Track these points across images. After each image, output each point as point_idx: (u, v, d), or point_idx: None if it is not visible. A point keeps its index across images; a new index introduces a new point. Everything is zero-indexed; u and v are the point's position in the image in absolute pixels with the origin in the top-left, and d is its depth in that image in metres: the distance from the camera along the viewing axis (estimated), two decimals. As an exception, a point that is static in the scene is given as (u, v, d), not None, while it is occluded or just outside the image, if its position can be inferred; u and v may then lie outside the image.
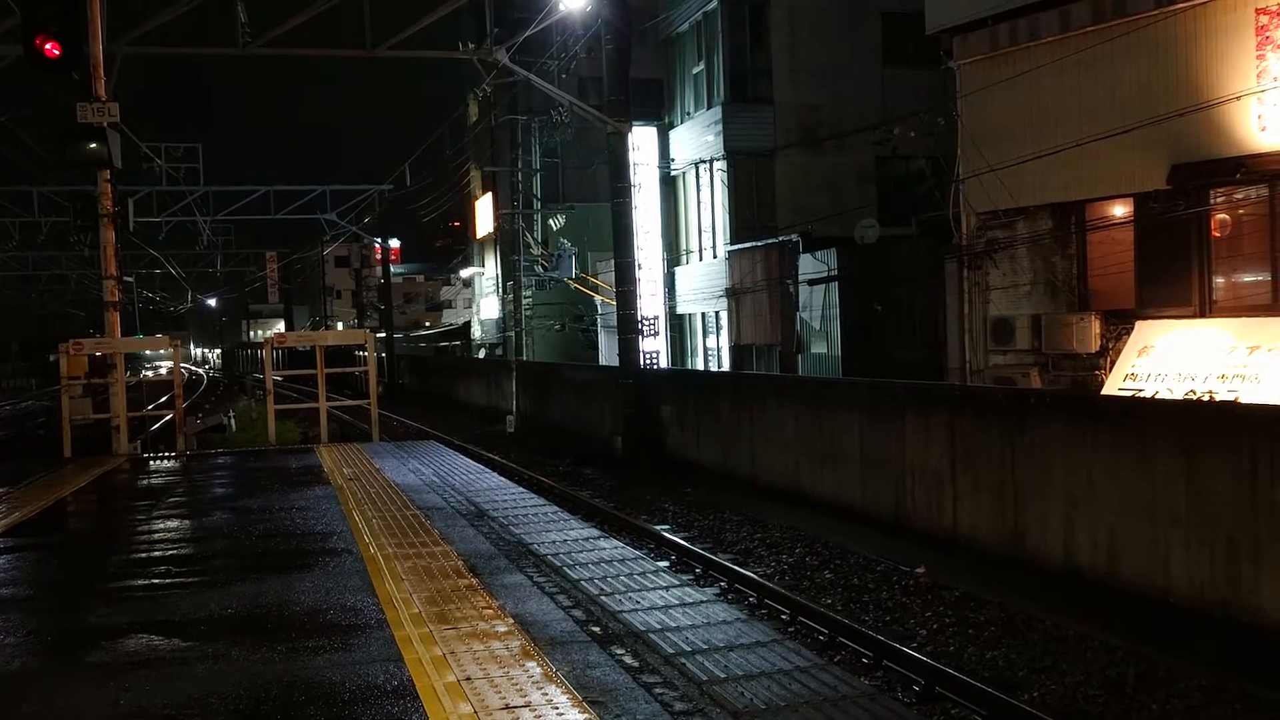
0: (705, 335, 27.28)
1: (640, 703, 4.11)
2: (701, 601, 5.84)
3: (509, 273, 34.30)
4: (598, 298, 30.74)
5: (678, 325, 28.59)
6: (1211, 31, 12.95)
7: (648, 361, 24.59)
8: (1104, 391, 13.58)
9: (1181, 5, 13.15)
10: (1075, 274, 15.29)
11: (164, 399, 33.72)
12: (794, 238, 22.01)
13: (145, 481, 11.00)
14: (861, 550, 11.46)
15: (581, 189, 33.27)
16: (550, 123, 30.08)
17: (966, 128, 16.07)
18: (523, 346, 32.36)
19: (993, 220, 15.88)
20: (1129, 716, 6.88)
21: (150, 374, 62.06)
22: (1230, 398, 11.77)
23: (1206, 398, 12.02)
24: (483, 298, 43.80)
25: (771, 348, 22.85)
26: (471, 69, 25.44)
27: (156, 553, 7.17)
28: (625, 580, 6.27)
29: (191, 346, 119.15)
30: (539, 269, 32.09)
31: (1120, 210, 14.68)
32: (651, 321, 26.69)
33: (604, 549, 7.12)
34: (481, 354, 41.77)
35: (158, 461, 12.77)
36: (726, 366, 24.93)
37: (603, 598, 5.83)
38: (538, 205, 33.23)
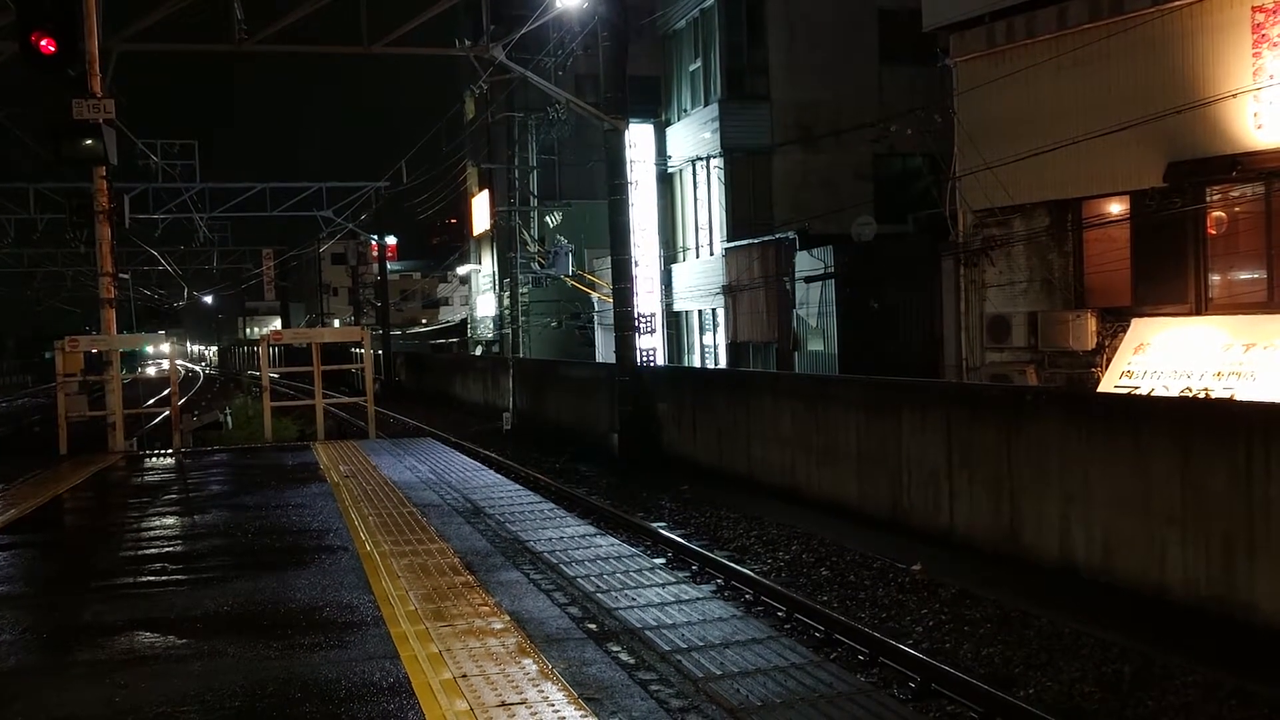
0: (702, 332, 27.28)
1: (636, 700, 4.11)
2: (698, 598, 5.84)
3: (506, 270, 34.27)
4: (595, 295, 30.74)
5: (675, 322, 28.60)
6: (1207, 29, 12.96)
7: (644, 359, 24.60)
8: (1100, 389, 13.59)
9: (1178, 3, 13.16)
10: (1071, 271, 15.31)
11: (160, 396, 33.71)
12: (791, 235, 22.01)
13: (141, 479, 10.99)
14: (858, 547, 11.47)
15: (578, 186, 33.25)
16: (547, 120, 30.05)
17: (963, 125, 16.08)
18: (519, 344, 32.32)
19: (989, 218, 15.89)
20: (1125, 713, 6.89)
21: (154, 370, 62.03)
22: (1226, 395, 11.79)
23: (1202, 395, 12.03)
24: (479, 295, 43.77)
25: (768, 345, 22.86)
26: (468, 66, 25.44)
27: (152, 550, 7.15)
28: (621, 577, 6.27)
29: (188, 344, 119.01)
30: (536, 266, 32.06)
31: (1116, 208, 14.70)
32: (648, 319, 26.69)
33: (600, 546, 7.12)
34: (478, 351, 41.74)
35: (154, 459, 12.75)
36: (723, 364, 24.94)
37: (599, 595, 5.83)
38: (534, 202, 33.20)
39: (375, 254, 47.97)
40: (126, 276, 48.34)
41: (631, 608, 5.60)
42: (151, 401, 32.54)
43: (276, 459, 12.04)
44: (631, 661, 4.65)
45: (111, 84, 13.85)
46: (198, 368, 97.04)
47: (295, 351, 48.64)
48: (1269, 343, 11.98)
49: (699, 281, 26.57)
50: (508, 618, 5.17)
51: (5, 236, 38.63)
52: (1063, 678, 7.47)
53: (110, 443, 13.16)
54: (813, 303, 20.85)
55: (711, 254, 26.01)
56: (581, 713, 3.94)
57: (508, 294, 33.18)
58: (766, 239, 22.89)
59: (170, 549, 7.18)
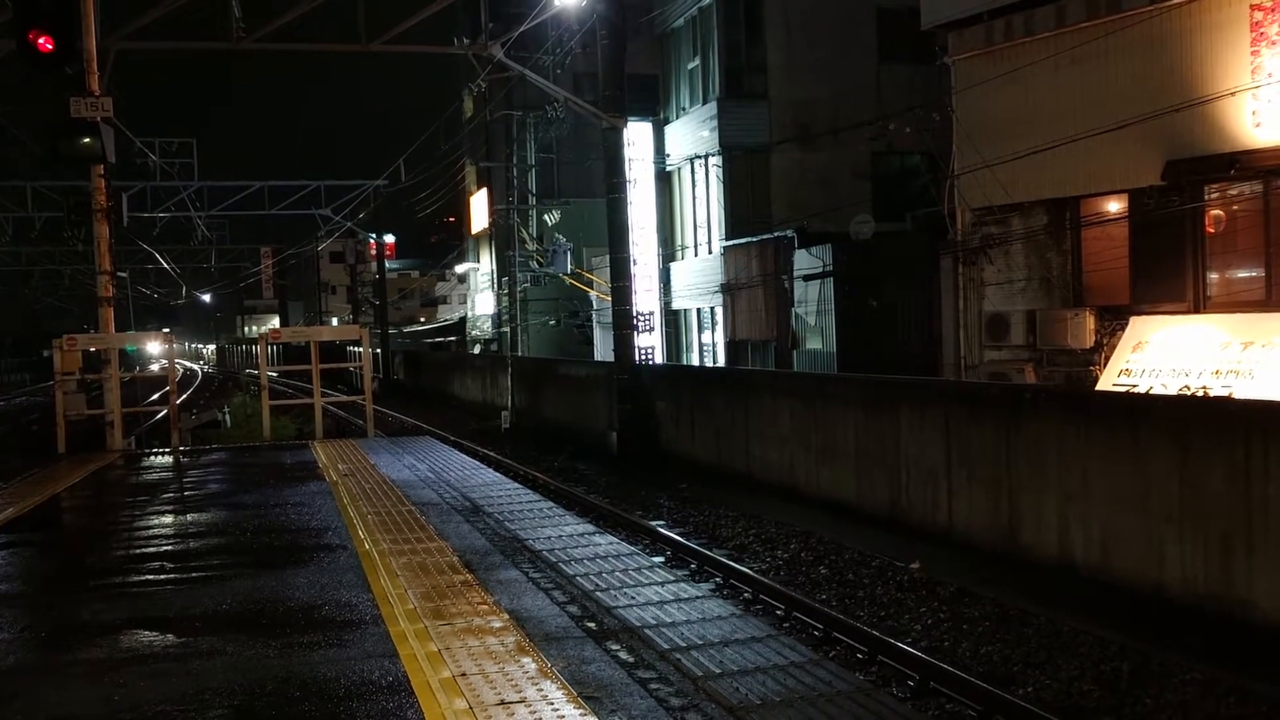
0: (701, 331, 27.28)
1: (636, 698, 4.11)
2: (697, 597, 5.84)
3: (504, 268, 34.25)
4: (593, 293, 30.73)
5: (673, 321, 28.59)
6: (1206, 27, 12.96)
7: (643, 357, 24.58)
8: (1098, 387, 13.60)
9: (1176, 1, 13.16)
10: (1070, 270, 15.31)
11: (159, 394, 33.68)
12: (789, 233, 22.01)
13: (139, 477, 10.98)
14: (856, 546, 11.48)
15: (577, 184, 33.24)
16: (545, 118, 30.02)
17: (961, 123, 16.08)
18: (518, 342, 32.31)
19: (988, 216, 15.89)
20: (1123, 711, 6.90)
21: (156, 368, 61.92)
22: (1224, 393, 11.80)
23: (1201, 393, 12.04)
24: (478, 293, 43.76)
25: (767, 343, 22.86)
26: (467, 64, 25.41)
27: (151, 549, 7.15)
28: (620, 576, 6.27)
29: (186, 342, 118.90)
30: (534, 264, 32.06)
31: (1115, 206, 14.71)
32: (647, 317, 26.68)
33: (599, 544, 7.12)
34: (477, 349, 41.73)
35: (152, 457, 12.74)
36: (722, 362, 24.94)
37: (598, 593, 5.83)
38: (533, 201, 33.19)
39: (373, 252, 47.89)
40: (125, 275, 48.34)
41: (630, 606, 5.60)
42: (153, 398, 32.52)
43: (275, 457, 12.04)
44: (631, 660, 4.65)
45: (109, 82, 13.83)
46: (196, 366, 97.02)
47: (294, 350, 48.65)
48: (1267, 341, 11.99)
49: (697, 280, 26.57)
50: (507, 616, 5.17)
51: (3, 234, 38.59)
52: (1061, 676, 7.48)
53: (109, 441, 13.15)
54: (811, 301, 20.85)
55: (710, 252, 26.01)
56: (581, 711, 3.94)
57: (506, 292, 33.17)
58: (765, 237, 22.89)
59: (169, 547, 7.17)
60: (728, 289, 24.31)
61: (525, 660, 4.51)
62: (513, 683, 4.24)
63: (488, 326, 40.49)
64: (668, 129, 28.08)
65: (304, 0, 15.95)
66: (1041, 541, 10.17)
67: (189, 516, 8.30)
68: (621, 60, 19.25)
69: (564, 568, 6.38)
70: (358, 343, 26.52)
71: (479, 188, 40.53)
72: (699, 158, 26.33)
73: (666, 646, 4.94)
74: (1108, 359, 14.12)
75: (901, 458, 12.27)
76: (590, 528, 7.93)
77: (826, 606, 9.26)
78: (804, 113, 24.89)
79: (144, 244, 41.92)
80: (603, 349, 29.47)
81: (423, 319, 71.47)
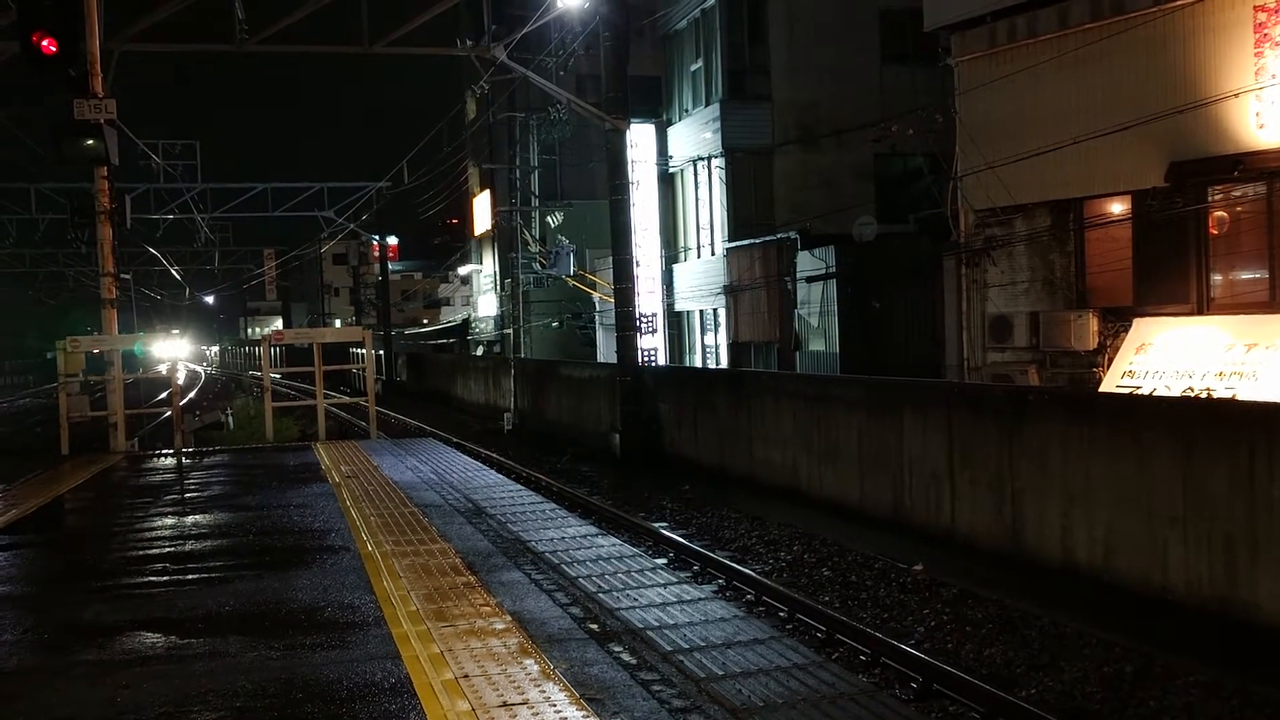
0: (703, 332, 27.27)
1: (638, 700, 4.10)
2: (699, 599, 5.84)
3: (507, 270, 34.25)
4: (596, 295, 30.73)
5: (676, 322, 28.59)
6: (1209, 29, 12.95)
7: (646, 359, 24.59)
8: (1102, 389, 13.58)
9: (1179, 3, 13.14)
10: (1073, 271, 15.29)
11: (162, 396, 33.70)
12: (792, 235, 22.01)
13: (142, 479, 10.99)
14: (859, 547, 11.47)
15: (579, 186, 33.26)
16: (548, 120, 30.03)
17: (965, 125, 16.06)
18: (521, 344, 32.30)
19: (991, 218, 15.87)
20: (1127, 713, 6.89)
21: (162, 369, 61.94)
22: (1228, 395, 11.78)
23: (1204, 395, 12.02)
24: (481, 295, 43.78)
25: (770, 345, 22.85)
26: (470, 66, 25.43)
27: (154, 550, 7.15)
28: (623, 577, 6.26)
29: (189, 344, 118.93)
30: (537, 266, 32.05)
31: (1118, 208, 14.68)
32: (650, 319, 26.69)
33: (602, 546, 7.12)
34: (479, 351, 41.76)
35: (155, 459, 12.75)
36: (725, 364, 24.93)
37: (600, 595, 5.83)
38: (536, 202, 33.20)
39: (376, 254, 47.98)
40: (128, 277, 48.36)
41: (633, 608, 5.59)
42: (158, 399, 32.55)
43: (278, 459, 12.04)
44: (633, 662, 4.65)
45: (113, 84, 13.85)
46: (199, 368, 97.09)
47: (297, 351, 48.68)
48: (1271, 343, 11.96)
49: (700, 281, 26.56)
50: (509, 618, 5.17)
51: (7, 236, 38.65)
52: (1065, 678, 7.47)
53: (112, 443, 13.16)
54: (814, 302, 20.85)
55: (713, 254, 26.00)
56: (583, 713, 3.93)
57: (509, 294, 33.17)
58: (768, 239, 22.89)
59: (172, 549, 7.17)
60: (730, 291, 24.30)
61: (528, 662, 4.51)
62: (515, 684, 4.24)
63: (490, 328, 40.51)
64: (670, 131, 28.08)
65: (307, 2, 15.97)
66: (1045, 543, 10.15)
67: (192, 518, 8.30)
68: (624, 62, 19.26)
69: (567, 569, 6.38)
70: (360, 344, 26.56)
71: (482, 189, 40.55)
72: (702, 159, 26.33)
73: (669, 648, 4.93)
74: (1111, 361, 14.10)
75: (904, 459, 12.26)
76: (593, 529, 7.92)
77: (829, 608, 9.26)
78: (807, 114, 24.89)
79: (147, 246, 41.96)
80: (605, 351, 29.46)
81: (425, 321, 71.48)
